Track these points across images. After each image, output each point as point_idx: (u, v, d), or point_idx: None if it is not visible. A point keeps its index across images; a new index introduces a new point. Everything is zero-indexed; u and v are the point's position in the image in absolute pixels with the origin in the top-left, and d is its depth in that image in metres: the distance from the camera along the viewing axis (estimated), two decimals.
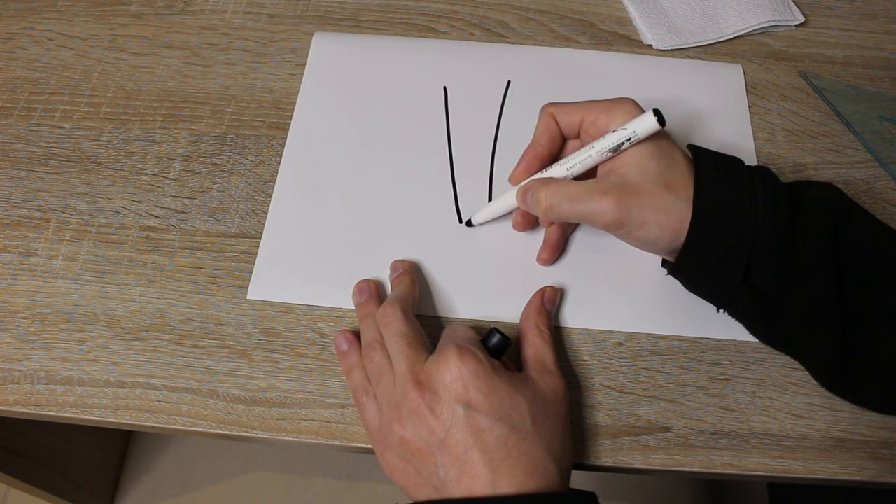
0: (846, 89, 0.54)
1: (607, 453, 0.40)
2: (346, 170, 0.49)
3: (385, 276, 0.45)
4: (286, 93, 0.53)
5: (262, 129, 0.51)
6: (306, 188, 0.48)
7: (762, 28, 0.57)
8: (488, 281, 0.45)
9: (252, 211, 0.48)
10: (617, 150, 0.39)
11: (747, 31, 0.56)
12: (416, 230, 0.47)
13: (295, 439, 0.41)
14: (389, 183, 0.49)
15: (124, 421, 0.41)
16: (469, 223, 0.47)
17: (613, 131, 0.39)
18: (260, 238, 0.46)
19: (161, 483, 1.05)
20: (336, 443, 0.41)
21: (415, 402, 0.35)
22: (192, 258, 0.46)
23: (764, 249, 0.37)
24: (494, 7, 0.58)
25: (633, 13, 0.57)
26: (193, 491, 1.04)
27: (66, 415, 0.41)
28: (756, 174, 0.38)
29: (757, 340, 0.43)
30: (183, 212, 0.48)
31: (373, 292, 0.43)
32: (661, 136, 0.39)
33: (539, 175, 0.43)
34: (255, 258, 0.46)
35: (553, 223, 0.45)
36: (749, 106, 0.53)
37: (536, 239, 0.46)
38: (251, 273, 0.45)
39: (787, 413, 0.41)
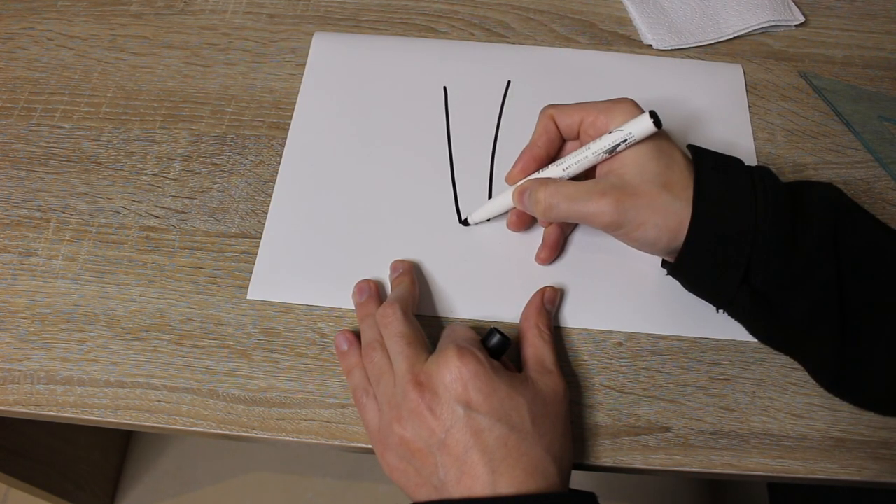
0: (846, 89, 0.54)
1: (607, 453, 0.40)
2: (346, 170, 0.49)
3: (385, 276, 0.45)
4: (286, 93, 0.53)
5: (262, 129, 0.51)
6: (306, 188, 0.48)
7: (762, 28, 0.57)
8: (488, 281, 0.45)
9: (252, 211, 0.48)
10: (613, 152, 0.39)
11: (747, 31, 0.56)
12: (416, 230, 0.47)
13: (295, 439, 0.41)
14: (389, 183, 0.49)
15: (124, 421, 0.41)
16: (465, 222, 0.47)
17: (610, 132, 0.39)
18: (260, 238, 0.46)
19: (161, 483, 1.05)
20: (336, 443, 0.41)
21: (415, 402, 0.35)
22: (192, 258, 0.46)
23: (764, 250, 0.37)
24: (494, 7, 0.58)
25: (633, 13, 0.57)
26: (193, 491, 1.04)
27: (66, 415, 0.41)
28: (756, 174, 0.39)
29: (757, 340, 0.43)
30: (183, 212, 0.48)
31: (373, 292, 0.43)
32: (660, 136, 0.39)
33: (536, 175, 0.43)
34: (255, 258, 0.46)
35: (552, 223, 0.45)
36: (749, 106, 0.53)
37: (536, 239, 0.46)
38: (251, 273, 0.45)
39: (787, 413, 0.41)
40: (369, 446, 0.40)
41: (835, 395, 0.41)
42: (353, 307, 0.44)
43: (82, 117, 0.52)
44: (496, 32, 0.57)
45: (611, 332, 0.44)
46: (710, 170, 0.39)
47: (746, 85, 0.54)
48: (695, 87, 0.53)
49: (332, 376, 0.42)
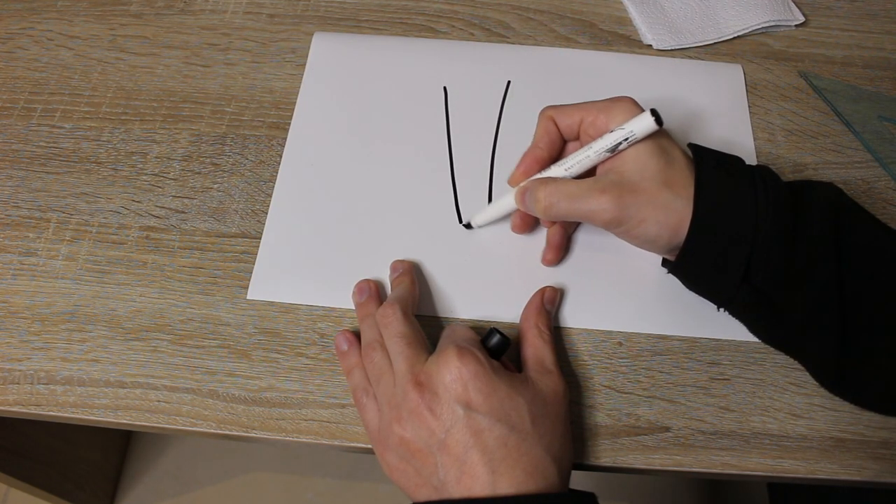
0: (846, 89, 0.54)
1: (607, 453, 0.40)
2: (346, 170, 0.49)
3: (385, 276, 0.45)
4: (286, 93, 0.53)
5: (262, 129, 0.51)
6: (306, 188, 0.48)
7: (762, 28, 0.57)
8: (488, 281, 0.45)
9: (252, 211, 0.48)
10: (614, 151, 0.39)
11: (747, 31, 0.56)
12: (416, 230, 0.47)
13: (295, 439, 0.41)
14: (389, 183, 0.49)
15: (124, 421, 0.41)
16: (468, 226, 0.47)
17: (611, 131, 0.39)
18: (260, 238, 0.46)
19: (161, 483, 1.05)
20: (336, 443, 0.41)
21: (415, 402, 0.35)
22: (192, 258, 0.46)
23: (764, 248, 0.37)
24: (494, 7, 0.58)
25: (633, 13, 0.57)
26: (193, 491, 1.04)
27: (66, 415, 0.41)
28: (757, 173, 0.39)
29: (757, 340, 0.43)
30: (183, 212, 0.48)
31: (373, 292, 0.43)
32: (660, 134, 0.39)
33: (538, 176, 0.43)
34: (255, 258, 0.46)
35: (554, 223, 0.45)
36: (749, 106, 0.53)
37: (536, 239, 0.46)
38: (251, 273, 0.45)
39: (787, 413, 0.41)
40: (369, 446, 0.40)
41: (835, 395, 0.41)
42: (353, 307, 0.44)
43: (82, 117, 0.52)
44: (496, 32, 0.57)
45: (611, 332, 0.44)
46: (712, 168, 0.39)
47: (746, 85, 0.54)
48: (695, 87, 0.53)
49: (331, 376, 0.42)
